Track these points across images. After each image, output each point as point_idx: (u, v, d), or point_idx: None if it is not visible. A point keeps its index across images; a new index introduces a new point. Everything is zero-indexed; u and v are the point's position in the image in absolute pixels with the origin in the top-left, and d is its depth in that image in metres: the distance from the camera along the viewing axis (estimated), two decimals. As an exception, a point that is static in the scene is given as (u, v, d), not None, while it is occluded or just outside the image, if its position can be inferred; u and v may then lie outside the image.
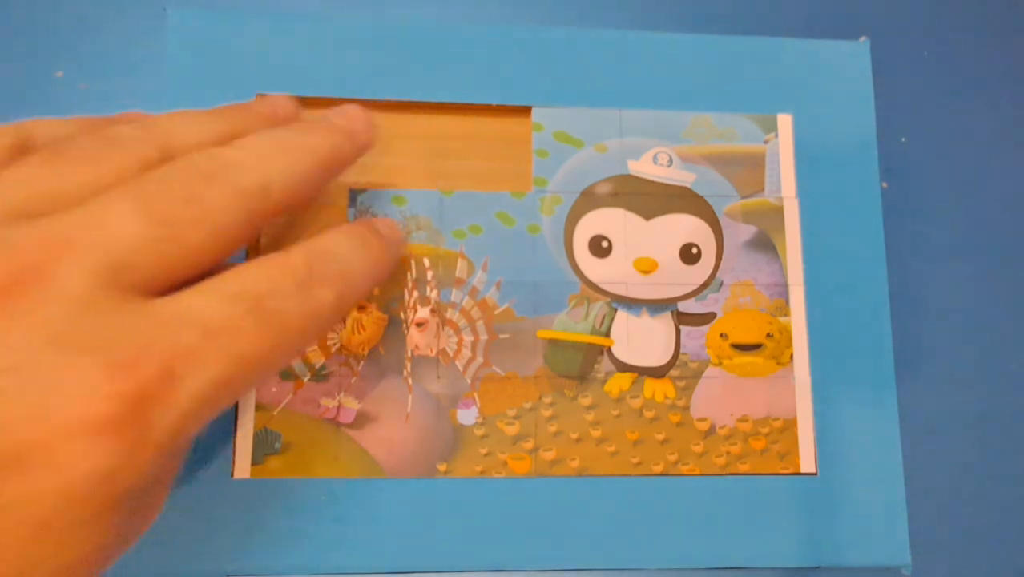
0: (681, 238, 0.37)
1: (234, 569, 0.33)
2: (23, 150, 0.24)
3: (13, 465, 0.18)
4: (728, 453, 0.36)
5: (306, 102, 0.37)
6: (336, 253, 0.27)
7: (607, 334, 0.36)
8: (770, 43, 0.39)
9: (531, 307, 0.36)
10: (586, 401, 0.36)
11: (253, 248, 0.35)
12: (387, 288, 0.36)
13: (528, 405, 0.35)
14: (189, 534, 0.33)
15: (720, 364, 0.37)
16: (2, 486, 0.18)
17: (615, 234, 0.37)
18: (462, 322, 0.36)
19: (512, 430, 0.35)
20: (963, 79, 0.42)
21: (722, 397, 0.36)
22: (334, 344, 0.35)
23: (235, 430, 0.34)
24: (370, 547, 0.33)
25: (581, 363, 0.36)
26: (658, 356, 0.36)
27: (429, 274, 0.36)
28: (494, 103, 0.37)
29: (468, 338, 0.36)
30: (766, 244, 0.38)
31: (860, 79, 0.39)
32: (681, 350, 0.37)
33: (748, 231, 0.38)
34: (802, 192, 0.38)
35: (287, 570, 0.33)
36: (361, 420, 0.35)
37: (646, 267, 0.37)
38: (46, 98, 0.39)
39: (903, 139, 0.41)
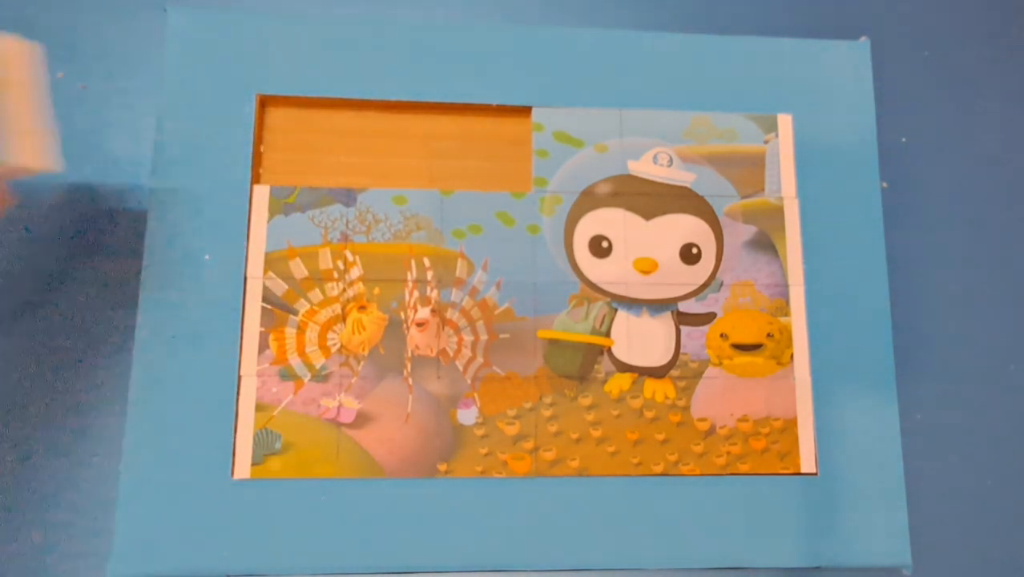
0: (681, 238, 0.37)
1: (234, 569, 0.33)
2: None
3: None
4: (728, 453, 0.36)
5: (306, 102, 0.37)
6: None
7: (607, 334, 0.36)
8: (770, 43, 0.39)
9: (531, 307, 0.36)
10: (586, 401, 0.36)
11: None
12: (387, 288, 0.36)
13: (528, 405, 0.35)
14: (189, 534, 0.33)
15: (720, 364, 0.37)
16: None
17: (615, 234, 0.37)
18: (462, 322, 0.36)
19: (512, 430, 0.35)
20: (963, 79, 0.42)
21: (722, 397, 0.36)
22: (334, 344, 0.35)
23: (235, 430, 0.34)
24: (370, 547, 0.33)
25: (581, 363, 0.36)
26: (658, 356, 0.36)
27: (429, 274, 0.36)
28: (494, 103, 0.37)
29: (468, 338, 0.36)
30: (766, 244, 0.38)
31: (860, 79, 0.39)
32: (681, 350, 0.37)
33: (748, 231, 0.38)
34: (802, 192, 0.38)
35: (287, 570, 0.33)
36: (361, 420, 0.35)
37: (646, 267, 0.37)
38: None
39: (903, 139, 0.41)
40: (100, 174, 0.39)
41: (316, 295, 0.35)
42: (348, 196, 0.36)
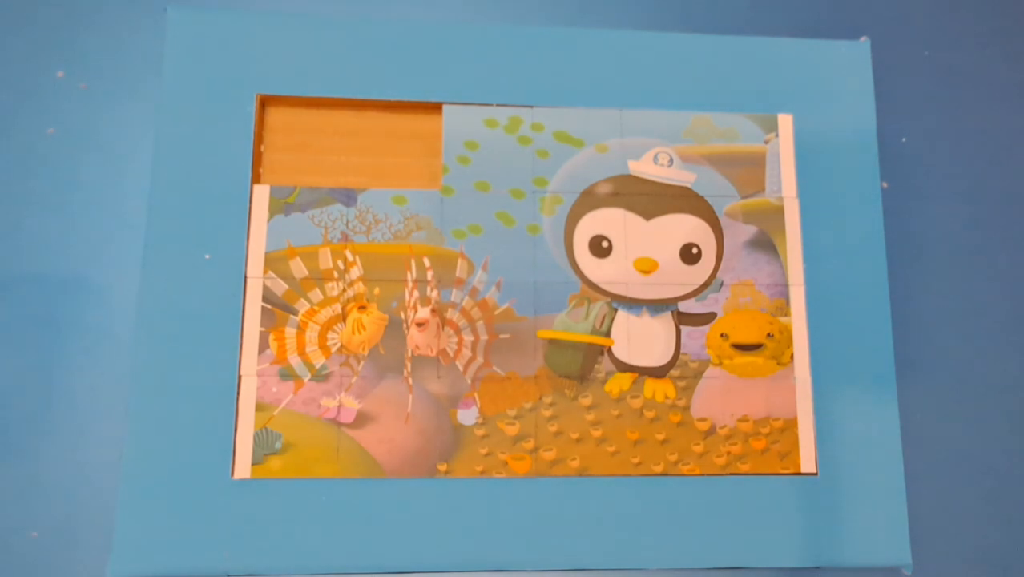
0: (681, 238, 0.37)
1: (234, 569, 0.33)
2: None
3: None
4: (728, 453, 0.36)
5: (306, 102, 0.37)
6: None
7: (607, 334, 0.36)
8: (770, 43, 0.39)
9: (531, 307, 0.36)
10: (586, 401, 0.36)
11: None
12: (388, 288, 0.36)
13: (528, 405, 0.35)
14: (189, 534, 0.33)
15: (720, 364, 0.37)
16: None
17: (615, 234, 0.37)
18: (462, 322, 0.36)
19: (512, 430, 0.35)
20: (963, 79, 0.42)
21: (722, 397, 0.36)
22: (334, 344, 0.35)
23: (235, 430, 0.34)
24: (370, 547, 0.33)
25: (581, 363, 0.36)
26: (658, 356, 0.36)
27: (429, 274, 0.36)
28: (494, 103, 0.37)
29: (468, 338, 0.36)
30: (766, 244, 0.38)
31: (860, 79, 0.39)
32: (681, 350, 0.37)
33: (748, 231, 0.38)
34: (802, 192, 0.38)
35: (287, 570, 0.33)
36: (361, 420, 0.35)
37: (646, 267, 0.37)
38: (46, 98, 0.39)
39: (903, 139, 0.41)
40: (100, 174, 0.39)
41: (316, 295, 0.35)
42: (348, 196, 0.36)
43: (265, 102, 0.37)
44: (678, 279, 0.37)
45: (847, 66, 0.39)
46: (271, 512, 0.33)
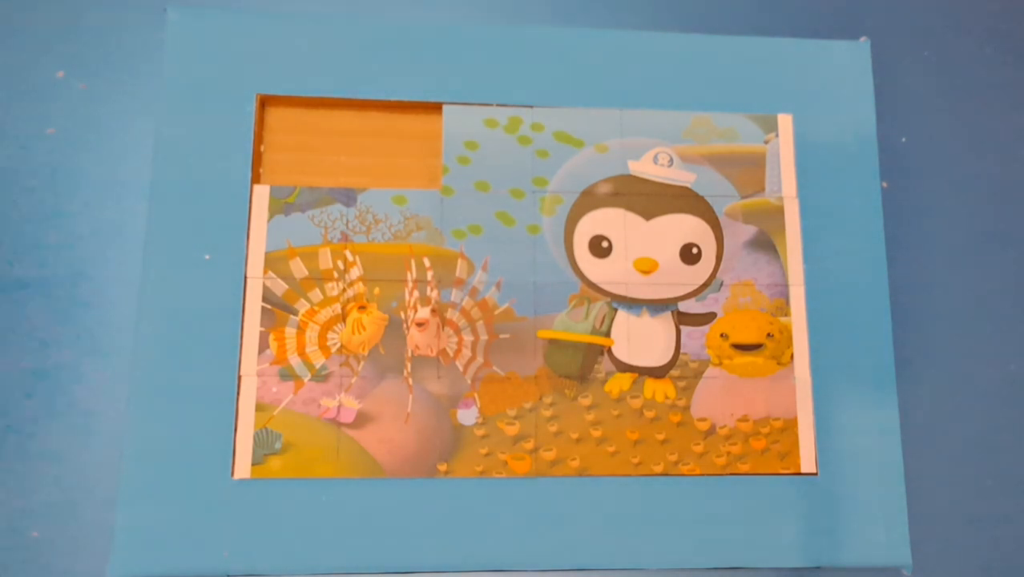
0: (681, 238, 0.37)
1: (234, 569, 0.33)
2: None
3: None
4: (728, 453, 0.36)
5: (306, 102, 0.37)
6: None
7: (607, 334, 0.36)
8: (770, 43, 0.39)
9: (531, 307, 0.36)
10: (586, 401, 0.36)
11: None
12: (388, 288, 0.36)
13: (528, 405, 0.35)
14: (189, 534, 0.33)
15: (720, 364, 0.37)
16: None
17: (615, 234, 0.37)
18: (462, 322, 0.36)
19: (512, 430, 0.35)
20: (963, 79, 0.42)
21: (722, 397, 0.36)
22: (334, 344, 0.35)
23: (235, 430, 0.34)
24: (370, 547, 0.33)
25: (581, 363, 0.36)
26: (658, 356, 0.36)
27: (429, 274, 0.36)
28: (494, 103, 0.37)
29: (468, 338, 0.36)
30: (766, 244, 0.38)
31: (860, 79, 0.39)
32: (681, 350, 0.37)
33: (748, 231, 0.38)
34: (802, 192, 0.38)
35: (287, 570, 0.33)
36: (361, 420, 0.35)
37: (646, 267, 0.37)
38: (46, 98, 0.39)
39: (903, 139, 0.41)
40: (100, 174, 0.39)
41: (316, 295, 0.35)
42: (348, 196, 0.36)
43: (265, 102, 0.37)
44: (678, 279, 0.37)
45: (847, 66, 0.39)
46: (271, 512, 0.33)
